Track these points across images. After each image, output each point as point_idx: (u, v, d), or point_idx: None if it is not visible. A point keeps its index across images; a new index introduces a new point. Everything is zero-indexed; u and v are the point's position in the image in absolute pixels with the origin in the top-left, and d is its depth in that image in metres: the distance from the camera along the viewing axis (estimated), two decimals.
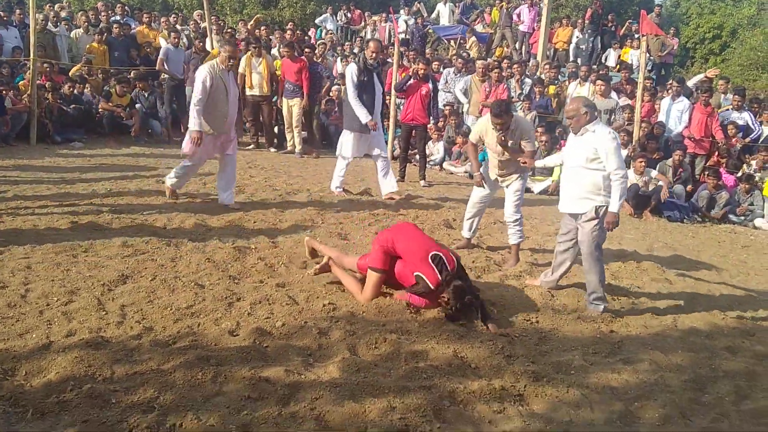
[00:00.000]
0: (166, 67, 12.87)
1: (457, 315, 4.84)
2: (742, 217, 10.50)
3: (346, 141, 9.00)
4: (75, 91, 12.02)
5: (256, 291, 5.13)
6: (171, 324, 4.42)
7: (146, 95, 12.67)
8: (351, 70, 8.90)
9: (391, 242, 5.11)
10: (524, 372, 4.18)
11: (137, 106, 12.36)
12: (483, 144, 6.65)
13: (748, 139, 11.73)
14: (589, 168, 5.32)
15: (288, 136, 12.81)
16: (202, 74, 7.21)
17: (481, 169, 6.71)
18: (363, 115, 8.80)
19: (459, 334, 4.68)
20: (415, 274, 4.98)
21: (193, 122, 7.24)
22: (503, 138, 6.21)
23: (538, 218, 8.93)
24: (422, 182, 10.67)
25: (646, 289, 6.20)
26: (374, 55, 8.83)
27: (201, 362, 3.87)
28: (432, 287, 4.90)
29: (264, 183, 9.34)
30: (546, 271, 5.98)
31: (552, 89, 13.42)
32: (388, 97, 11.45)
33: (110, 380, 3.63)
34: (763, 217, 10.36)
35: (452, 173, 12.13)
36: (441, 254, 5.06)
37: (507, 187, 6.63)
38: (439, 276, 4.90)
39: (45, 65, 12.07)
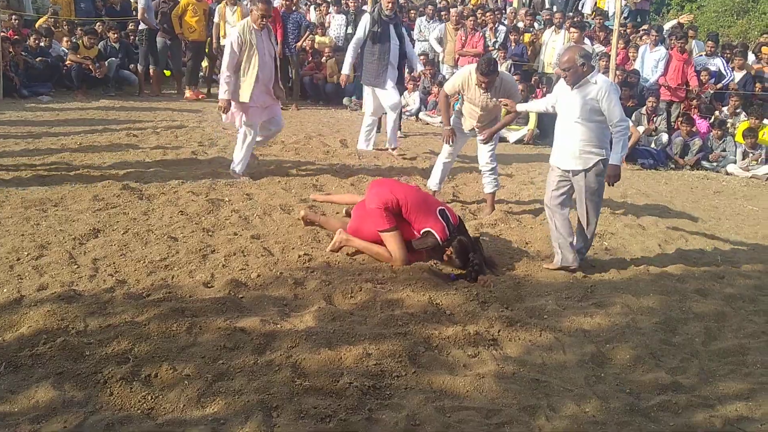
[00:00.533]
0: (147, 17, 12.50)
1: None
2: (715, 163, 10.60)
3: (366, 96, 8.84)
4: (41, 44, 11.68)
5: (230, 243, 5.10)
6: (144, 277, 4.39)
7: (117, 47, 12.34)
8: (364, 21, 8.56)
9: (395, 202, 4.97)
10: (498, 317, 4.23)
11: (111, 59, 12.01)
12: (457, 95, 6.58)
13: (720, 85, 11.77)
14: (590, 121, 5.02)
15: None
16: (230, 38, 6.63)
17: (452, 121, 6.55)
18: (346, 66, 8.73)
19: (434, 282, 4.72)
20: (423, 230, 4.93)
21: (222, 90, 6.70)
22: (490, 99, 6.16)
23: (513, 167, 8.94)
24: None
25: (619, 235, 6.26)
26: (390, 5, 8.42)
27: (175, 314, 3.86)
28: (440, 242, 4.89)
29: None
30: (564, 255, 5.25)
31: (527, 37, 13.29)
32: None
33: (84, 333, 3.62)
34: (735, 162, 10.46)
35: (428, 123, 12.05)
36: (446, 209, 5.08)
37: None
38: (447, 231, 4.90)
39: (12, 18, 11.68)
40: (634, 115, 11.04)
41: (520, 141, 11.20)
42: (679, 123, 11.01)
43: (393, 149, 8.90)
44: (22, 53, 11.21)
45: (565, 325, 4.27)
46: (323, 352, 3.63)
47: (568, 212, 5.31)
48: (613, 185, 5.25)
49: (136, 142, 8.23)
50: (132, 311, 3.86)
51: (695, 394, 3.60)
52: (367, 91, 8.84)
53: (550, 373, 3.69)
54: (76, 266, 4.47)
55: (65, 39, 12.04)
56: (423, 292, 4.52)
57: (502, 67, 10.21)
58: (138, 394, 3.11)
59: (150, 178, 6.59)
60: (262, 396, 3.18)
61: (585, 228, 5.32)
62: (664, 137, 10.88)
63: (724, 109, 11.41)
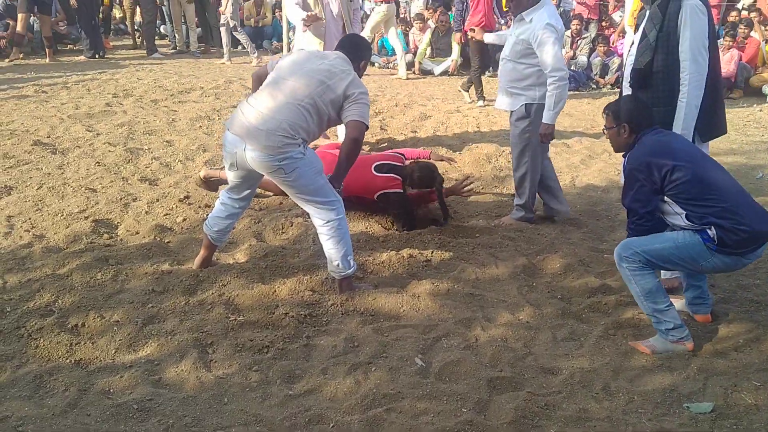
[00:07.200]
0: None
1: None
2: None
3: None
4: None
5: (152, 190, 4.93)
6: (63, 229, 4.20)
7: None
8: None
9: None
10: (431, 240, 4.25)
11: None
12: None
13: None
14: (519, 62, 4.36)
15: (177, 36, 12.15)
16: None
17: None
18: None
19: (365, 214, 4.68)
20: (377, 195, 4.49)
21: None
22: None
23: (439, 98, 8.91)
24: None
25: None
26: None
27: (99, 263, 3.73)
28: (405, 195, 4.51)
29: (153, 84, 8.83)
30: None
31: None
32: None
33: (2, 290, 3.46)
34: None
35: None
36: (384, 162, 4.56)
37: None
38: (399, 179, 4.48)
39: None
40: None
41: (444, 73, 11.15)
42: (596, 44, 11.15)
43: None
44: None
45: (496, 241, 4.31)
46: (256, 287, 3.58)
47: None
48: (545, 143, 4.48)
49: (46, 98, 7.82)
50: (53, 264, 3.70)
51: (624, 295, 3.69)
52: None
53: (483, 287, 3.74)
54: None
55: None
56: (355, 222, 4.51)
57: None
58: (66, 345, 3.00)
59: (62, 133, 6.28)
60: (196, 334, 3.12)
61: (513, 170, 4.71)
62: (583, 59, 11.00)
63: None
